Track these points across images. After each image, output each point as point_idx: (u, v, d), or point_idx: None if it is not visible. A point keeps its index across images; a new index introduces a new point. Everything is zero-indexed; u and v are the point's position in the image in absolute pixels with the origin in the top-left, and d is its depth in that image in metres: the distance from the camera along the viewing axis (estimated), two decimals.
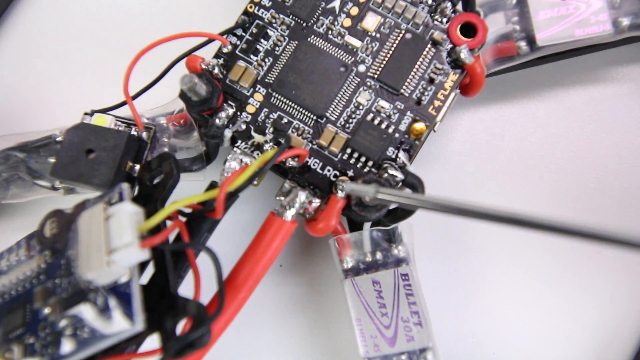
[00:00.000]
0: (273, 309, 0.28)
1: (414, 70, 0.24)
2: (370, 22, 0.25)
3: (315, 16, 0.25)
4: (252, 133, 0.24)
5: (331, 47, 0.25)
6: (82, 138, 0.23)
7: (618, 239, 0.15)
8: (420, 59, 0.24)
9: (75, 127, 0.24)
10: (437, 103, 0.24)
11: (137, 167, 0.24)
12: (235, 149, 0.24)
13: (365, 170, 0.24)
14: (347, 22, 0.25)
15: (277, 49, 0.25)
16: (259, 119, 0.24)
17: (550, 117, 0.29)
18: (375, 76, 0.24)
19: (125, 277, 0.18)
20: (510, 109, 0.30)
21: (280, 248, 0.22)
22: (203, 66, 0.24)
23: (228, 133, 0.24)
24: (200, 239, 0.21)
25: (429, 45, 0.24)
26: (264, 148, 0.24)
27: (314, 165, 0.24)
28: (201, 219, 0.21)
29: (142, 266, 0.20)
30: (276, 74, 0.25)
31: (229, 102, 0.25)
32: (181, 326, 0.18)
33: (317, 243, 0.29)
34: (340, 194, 0.23)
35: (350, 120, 0.24)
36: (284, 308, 0.28)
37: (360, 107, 0.24)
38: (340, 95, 0.24)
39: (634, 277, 0.27)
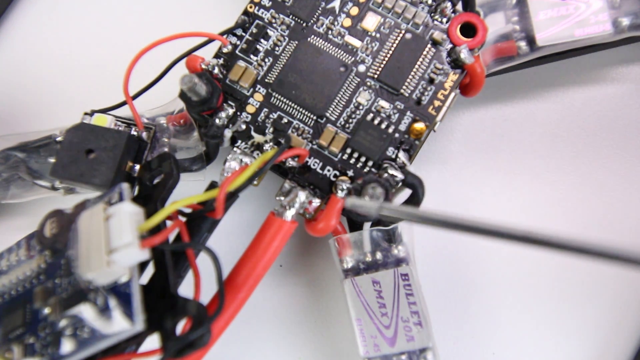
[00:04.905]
0: (273, 309, 0.28)
1: (414, 70, 0.24)
2: (370, 22, 0.25)
3: (315, 16, 0.25)
4: (252, 133, 0.24)
5: (331, 47, 0.25)
6: (82, 138, 0.23)
7: (623, 256, 0.15)
8: (420, 59, 0.24)
9: (75, 127, 0.24)
10: (437, 103, 0.24)
11: (137, 167, 0.24)
12: (235, 149, 0.24)
13: (365, 170, 0.24)
14: (347, 22, 0.25)
15: (277, 49, 0.25)
16: (259, 119, 0.24)
17: (550, 117, 0.29)
18: (375, 76, 0.24)
19: (125, 277, 0.18)
20: (510, 109, 0.30)
21: (280, 248, 0.22)
22: (203, 66, 0.24)
23: (228, 133, 0.24)
24: (200, 239, 0.21)
25: (429, 45, 0.24)
26: (264, 148, 0.24)
27: (314, 165, 0.24)
28: (201, 219, 0.21)
29: (142, 266, 0.20)
30: (276, 74, 0.25)
31: (229, 102, 0.25)
32: (181, 326, 0.18)
33: (317, 243, 0.29)
34: (340, 194, 0.23)
35: (350, 120, 0.24)
36: (284, 308, 0.28)
37: (360, 107, 0.24)
38: (340, 95, 0.24)
39: (634, 278, 0.27)
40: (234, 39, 0.25)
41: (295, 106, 0.24)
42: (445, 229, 0.17)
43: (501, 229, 0.16)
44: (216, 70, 0.24)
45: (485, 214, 0.28)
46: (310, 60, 0.25)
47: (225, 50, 0.25)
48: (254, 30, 0.25)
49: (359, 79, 0.24)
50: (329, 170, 0.24)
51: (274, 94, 0.24)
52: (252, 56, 0.25)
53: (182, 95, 0.23)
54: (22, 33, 0.33)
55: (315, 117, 0.24)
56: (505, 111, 0.30)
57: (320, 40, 0.25)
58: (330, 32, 0.25)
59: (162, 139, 0.26)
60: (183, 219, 0.21)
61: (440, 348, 0.24)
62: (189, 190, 0.25)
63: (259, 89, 0.25)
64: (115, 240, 0.18)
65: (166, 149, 0.26)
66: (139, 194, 0.22)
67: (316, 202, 0.23)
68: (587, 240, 0.15)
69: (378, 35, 0.25)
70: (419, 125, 0.24)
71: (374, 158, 0.23)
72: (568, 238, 0.15)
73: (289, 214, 0.23)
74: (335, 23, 0.25)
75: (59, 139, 0.26)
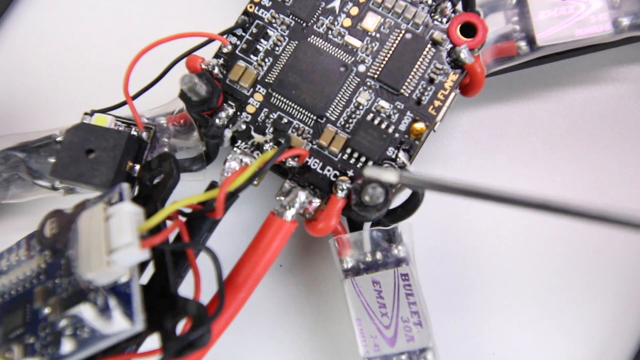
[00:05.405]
0: (273, 309, 0.28)
1: (414, 70, 0.24)
2: (370, 22, 0.25)
3: (315, 16, 0.25)
4: (252, 133, 0.24)
5: (331, 47, 0.25)
6: (82, 138, 0.23)
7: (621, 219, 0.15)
8: (420, 59, 0.24)
9: (75, 127, 0.24)
10: (437, 103, 0.24)
11: (137, 167, 0.24)
12: (235, 149, 0.24)
13: None
14: (347, 22, 0.25)
15: (277, 49, 0.25)
16: (259, 119, 0.24)
17: (550, 117, 0.29)
18: (375, 76, 0.24)
19: (125, 277, 0.18)
20: (510, 109, 0.30)
21: (280, 248, 0.22)
22: (203, 66, 0.24)
23: (228, 133, 0.24)
24: (200, 239, 0.21)
25: (429, 45, 0.24)
26: (264, 148, 0.24)
27: (314, 165, 0.24)
28: (201, 219, 0.21)
29: (142, 266, 0.20)
30: (276, 74, 0.25)
31: (229, 102, 0.25)
32: (181, 326, 0.18)
33: (317, 243, 0.29)
34: (340, 194, 0.23)
35: (350, 120, 0.24)
36: (284, 308, 0.28)
37: (360, 107, 0.24)
38: (340, 95, 0.24)
39: (634, 277, 0.27)
40: (234, 39, 0.25)
41: (295, 106, 0.24)
42: (464, 197, 0.17)
43: (516, 196, 0.16)
44: (216, 70, 0.24)
45: (485, 213, 0.28)
46: (310, 60, 0.25)
47: (225, 50, 0.25)
48: (254, 30, 0.25)
49: (359, 79, 0.24)
50: (329, 170, 0.24)
51: (274, 94, 0.24)
52: (252, 56, 0.25)
53: (182, 95, 0.23)
54: (22, 33, 0.33)
55: (315, 117, 0.24)
56: (505, 111, 0.30)
57: (320, 40, 0.25)
58: (330, 32, 0.25)
59: (162, 139, 0.26)
60: (183, 219, 0.21)
61: (440, 348, 0.24)
62: (189, 190, 0.25)
63: (259, 89, 0.25)
64: (115, 240, 0.18)
65: (166, 149, 0.26)
66: (139, 194, 0.22)
67: (316, 202, 0.23)
68: (600, 207, 0.15)
69: (378, 35, 0.25)
70: (419, 125, 0.24)
71: (374, 158, 0.23)
72: (583, 206, 0.15)
73: (289, 214, 0.23)
74: (335, 23, 0.25)
75: (59, 139, 0.26)
